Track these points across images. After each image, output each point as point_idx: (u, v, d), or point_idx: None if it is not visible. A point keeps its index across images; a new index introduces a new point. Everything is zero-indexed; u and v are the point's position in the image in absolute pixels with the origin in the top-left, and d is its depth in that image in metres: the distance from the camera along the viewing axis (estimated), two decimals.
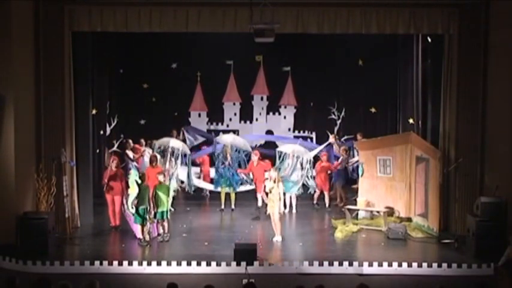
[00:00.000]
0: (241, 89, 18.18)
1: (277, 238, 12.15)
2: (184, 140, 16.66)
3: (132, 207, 11.86)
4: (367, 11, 12.48)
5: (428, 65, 14.63)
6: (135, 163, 15.07)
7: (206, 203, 16.04)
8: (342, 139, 17.06)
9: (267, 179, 12.49)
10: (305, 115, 18.32)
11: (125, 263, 10.37)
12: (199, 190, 15.81)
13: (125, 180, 13.06)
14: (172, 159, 14.71)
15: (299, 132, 18.34)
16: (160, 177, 12.10)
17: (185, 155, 14.92)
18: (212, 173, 15.71)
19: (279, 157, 14.99)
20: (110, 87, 16.59)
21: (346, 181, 15.76)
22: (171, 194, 12.80)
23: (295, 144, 15.58)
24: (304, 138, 17.98)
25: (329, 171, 15.33)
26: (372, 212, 13.77)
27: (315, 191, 15.14)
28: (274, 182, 12.00)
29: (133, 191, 12.01)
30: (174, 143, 15.00)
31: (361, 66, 17.89)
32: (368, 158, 14.37)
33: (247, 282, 7.31)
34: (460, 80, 12.51)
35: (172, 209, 12.55)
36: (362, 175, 14.47)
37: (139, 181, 11.87)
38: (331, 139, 16.40)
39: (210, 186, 15.65)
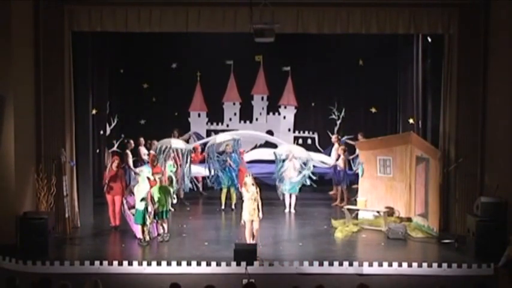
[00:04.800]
0: (241, 89, 18.15)
1: None
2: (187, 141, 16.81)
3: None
4: (367, 11, 12.47)
5: (428, 65, 14.63)
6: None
7: (206, 202, 16.03)
8: (343, 138, 16.97)
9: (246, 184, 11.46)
10: (305, 115, 18.30)
11: (125, 263, 10.38)
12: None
13: (125, 180, 13.04)
14: (172, 159, 14.71)
15: (299, 132, 18.32)
16: (158, 178, 12.09)
17: (187, 155, 14.97)
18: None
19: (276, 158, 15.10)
20: (110, 87, 16.58)
21: (350, 182, 15.73)
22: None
23: (293, 145, 15.60)
24: (305, 138, 18.08)
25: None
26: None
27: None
28: (250, 187, 11.38)
29: (141, 187, 11.92)
30: (176, 143, 15.03)
31: (361, 66, 17.89)
32: (368, 158, 14.36)
33: (247, 282, 7.31)
34: (460, 80, 12.50)
35: (173, 209, 12.52)
36: (362, 175, 14.48)
37: (152, 177, 11.92)
38: (334, 139, 16.40)
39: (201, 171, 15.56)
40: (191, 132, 17.62)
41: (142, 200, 11.76)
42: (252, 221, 11.37)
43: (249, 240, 11.37)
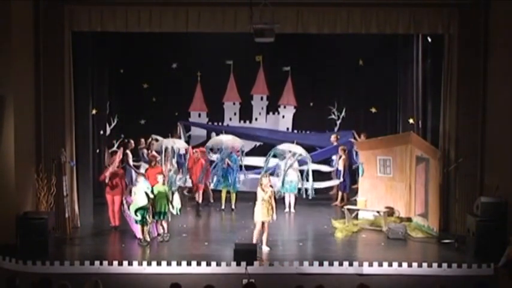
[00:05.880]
0: (241, 89, 18.13)
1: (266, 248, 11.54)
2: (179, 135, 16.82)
3: (136, 215, 11.82)
4: (367, 11, 12.48)
5: (428, 65, 14.63)
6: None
7: (206, 203, 16.02)
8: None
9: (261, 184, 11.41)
10: (305, 115, 18.27)
11: (125, 263, 10.39)
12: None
13: (125, 180, 13.00)
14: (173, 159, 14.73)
15: (299, 132, 18.30)
16: (159, 178, 12.08)
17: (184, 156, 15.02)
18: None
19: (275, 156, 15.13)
20: (109, 87, 16.58)
21: (352, 182, 15.71)
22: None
23: (293, 144, 15.62)
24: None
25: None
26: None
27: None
28: (268, 188, 11.36)
29: (137, 199, 11.86)
30: (179, 143, 15.05)
31: (361, 66, 17.87)
32: (368, 158, 14.37)
33: (247, 282, 7.32)
34: (460, 80, 12.51)
35: (173, 210, 12.51)
36: (362, 175, 14.48)
37: (151, 195, 11.81)
38: (333, 139, 16.43)
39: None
40: (179, 124, 17.47)
41: (137, 211, 11.79)
42: (263, 222, 11.33)
43: (255, 240, 11.35)
